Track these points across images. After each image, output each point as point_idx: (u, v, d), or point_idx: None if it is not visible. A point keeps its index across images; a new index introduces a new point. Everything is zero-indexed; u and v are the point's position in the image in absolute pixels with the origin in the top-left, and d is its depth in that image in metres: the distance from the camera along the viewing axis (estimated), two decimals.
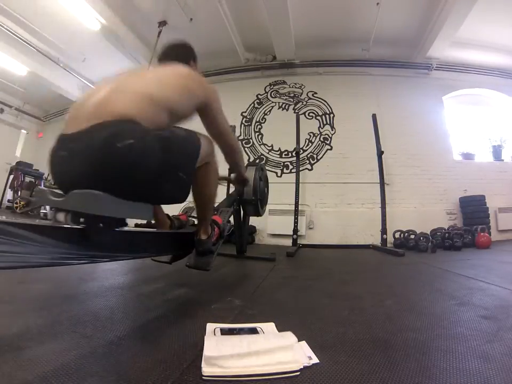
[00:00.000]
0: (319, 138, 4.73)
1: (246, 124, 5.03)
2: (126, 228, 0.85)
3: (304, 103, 4.96)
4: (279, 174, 4.67)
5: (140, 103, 0.80)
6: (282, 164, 4.72)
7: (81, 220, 0.68)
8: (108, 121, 0.74)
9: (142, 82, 0.89)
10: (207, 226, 1.23)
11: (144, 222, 1.23)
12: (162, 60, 1.17)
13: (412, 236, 3.42)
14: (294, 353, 0.63)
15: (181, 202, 0.95)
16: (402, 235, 3.61)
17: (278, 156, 4.77)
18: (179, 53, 1.20)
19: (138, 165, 0.74)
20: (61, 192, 0.76)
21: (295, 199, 3.61)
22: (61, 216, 0.68)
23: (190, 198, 1.15)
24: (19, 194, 5.27)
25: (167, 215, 1.33)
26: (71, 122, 0.80)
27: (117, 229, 0.79)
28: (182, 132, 0.92)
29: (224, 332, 0.77)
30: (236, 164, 1.34)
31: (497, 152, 4.68)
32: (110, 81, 0.89)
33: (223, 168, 1.26)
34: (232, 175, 1.58)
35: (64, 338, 0.75)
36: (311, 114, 4.87)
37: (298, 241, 3.51)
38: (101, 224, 0.72)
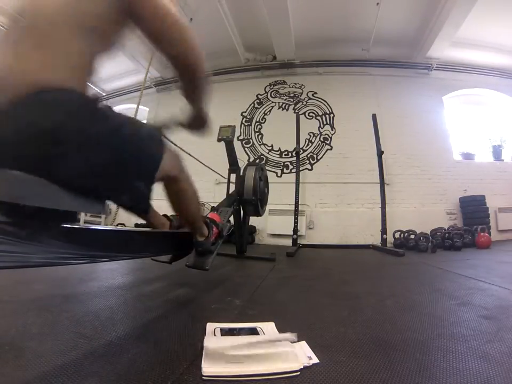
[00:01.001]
0: (319, 138, 4.74)
1: (246, 123, 5.03)
2: (127, 228, 0.84)
3: (304, 103, 4.96)
4: (279, 174, 4.67)
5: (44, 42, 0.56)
6: (282, 164, 4.72)
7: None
8: (23, 96, 0.53)
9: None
10: (201, 229, 1.21)
11: (144, 222, 1.23)
12: None
13: (412, 236, 3.42)
14: (294, 353, 0.63)
15: (139, 214, 0.81)
16: (402, 235, 3.61)
17: (278, 156, 4.77)
18: None
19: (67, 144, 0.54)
20: None
21: (295, 199, 3.62)
22: None
23: None
24: None
25: (165, 215, 1.33)
26: None
27: (64, 225, 0.61)
28: (145, 130, 0.75)
29: (224, 332, 0.77)
30: (196, 93, 0.82)
31: (497, 152, 4.69)
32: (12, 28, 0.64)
33: (225, 168, 1.20)
34: (233, 176, 1.46)
35: (64, 338, 0.75)
36: (311, 114, 4.87)
37: (298, 241, 3.51)
38: (35, 218, 0.53)
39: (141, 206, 0.75)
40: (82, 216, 4.00)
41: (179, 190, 0.94)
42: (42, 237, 0.56)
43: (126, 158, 0.65)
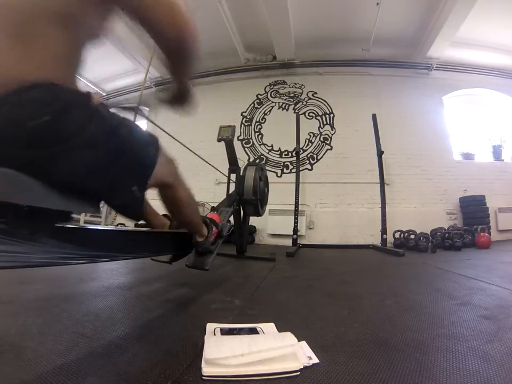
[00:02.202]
0: (319, 138, 4.74)
1: (246, 123, 5.03)
2: (127, 228, 0.84)
3: (304, 103, 4.96)
4: (279, 174, 4.67)
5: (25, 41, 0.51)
6: (282, 164, 4.72)
7: None
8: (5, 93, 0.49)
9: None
10: (200, 230, 1.20)
11: (144, 222, 1.23)
12: None
13: (412, 236, 3.42)
14: (294, 353, 0.63)
15: (130, 218, 0.77)
16: (402, 235, 3.61)
17: (278, 156, 4.77)
18: None
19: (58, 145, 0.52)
20: None
21: (295, 199, 3.62)
22: None
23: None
24: None
25: (165, 215, 1.32)
26: None
27: (58, 224, 0.60)
28: (140, 132, 0.74)
29: (224, 331, 0.77)
30: (184, 66, 0.74)
31: (497, 152, 4.69)
32: None
33: (225, 168, 1.18)
34: (233, 176, 1.43)
35: (64, 338, 0.75)
36: (311, 114, 4.87)
37: (298, 241, 3.51)
38: (24, 218, 0.52)
39: (132, 210, 0.73)
40: (82, 216, 4.00)
41: (174, 198, 0.92)
42: (37, 237, 0.55)
43: (119, 160, 0.63)
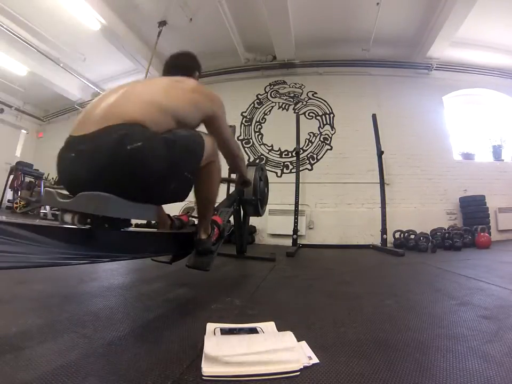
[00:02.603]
0: (319, 138, 4.73)
1: (246, 124, 5.03)
2: (127, 229, 0.86)
3: (304, 103, 4.96)
4: (279, 174, 4.67)
5: (149, 109, 0.83)
6: (282, 164, 4.72)
7: (88, 220, 0.70)
8: (118, 124, 0.76)
9: (151, 91, 0.92)
10: (207, 226, 1.23)
11: (144, 222, 1.24)
12: (169, 70, 1.19)
13: (412, 236, 3.42)
14: (294, 353, 0.63)
15: (182, 201, 0.97)
16: (402, 235, 3.61)
17: (278, 156, 4.77)
18: (185, 64, 1.23)
19: (146, 166, 0.77)
20: (67, 193, 0.77)
21: (295, 199, 3.62)
22: (68, 217, 0.69)
23: (191, 198, 1.15)
24: (19, 194, 5.26)
25: (168, 215, 1.33)
26: (80, 125, 0.81)
27: (122, 230, 0.81)
28: (186, 132, 0.93)
29: (224, 331, 0.77)
30: (238, 169, 1.43)
31: (497, 152, 4.69)
32: (119, 88, 0.92)
33: (225, 169, 1.29)
34: (233, 176, 1.64)
35: (64, 338, 0.75)
36: (311, 114, 4.87)
37: (298, 241, 3.51)
38: (107, 225, 0.73)
39: (186, 192, 0.97)
40: None
41: (211, 170, 1.10)
42: (108, 239, 0.76)
43: (181, 162, 0.89)
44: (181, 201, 0.96)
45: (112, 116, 0.78)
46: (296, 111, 4.86)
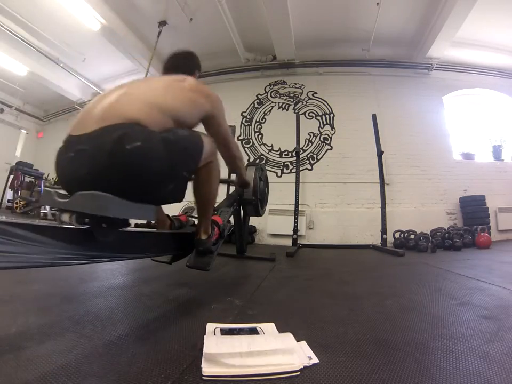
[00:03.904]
0: (319, 138, 4.73)
1: (246, 123, 5.03)
2: (127, 229, 0.86)
3: (304, 103, 4.95)
4: (279, 174, 4.67)
5: (148, 109, 0.83)
6: (282, 164, 4.72)
7: (86, 220, 0.69)
8: (117, 124, 0.75)
9: (150, 91, 0.91)
10: (207, 226, 1.23)
11: (144, 222, 1.23)
12: (169, 69, 1.18)
13: (412, 236, 3.42)
14: (294, 353, 0.63)
15: (179, 202, 0.96)
16: (402, 235, 3.61)
17: (278, 156, 4.77)
18: (185, 63, 1.23)
19: (145, 166, 0.77)
20: (65, 193, 0.77)
21: (295, 199, 3.61)
22: (65, 217, 0.69)
23: (191, 198, 1.15)
24: (19, 194, 5.26)
25: (167, 215, 1.33)
26: (79, 125, 0.81)
27: (120, 230, 0.80)
28: (185, 132, 0.93)
29: (224, 332, 0.77)
30: (237, 169, 1.42)
31: (497, 152, 4.68)
32: (119, 87, 0.92)
33: (224, 170, 1.29)
34: (233, 177, 1.64)
35: (64, 338, 0.75)
36: (311, 114, 4.87)
37: (298, 241, 3.51)
38: (105, 225, 0.72)
39: (183, 192, 0.95)
40: None
41: (210, 170, 1.10)
42: (106, 239, 0.74)
43: (180, 162, 0.89)
44: (179, 201, 0.96)
45: (111, 115, 0.78)
46: (296, 111, 4.86)
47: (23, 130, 6.98)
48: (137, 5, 4.08)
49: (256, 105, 5.10)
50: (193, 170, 0.99)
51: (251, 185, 2.02)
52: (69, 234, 0.67)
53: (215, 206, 1.80)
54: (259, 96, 5.13)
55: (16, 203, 4.96)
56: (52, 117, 7.11)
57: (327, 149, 4.66)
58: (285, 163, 4.71)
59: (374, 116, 3.76)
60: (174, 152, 0.84)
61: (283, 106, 5.02)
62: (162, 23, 4.32)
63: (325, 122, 4.80)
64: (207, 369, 0.58)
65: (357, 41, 4.52)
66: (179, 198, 0.95)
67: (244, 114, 5.07)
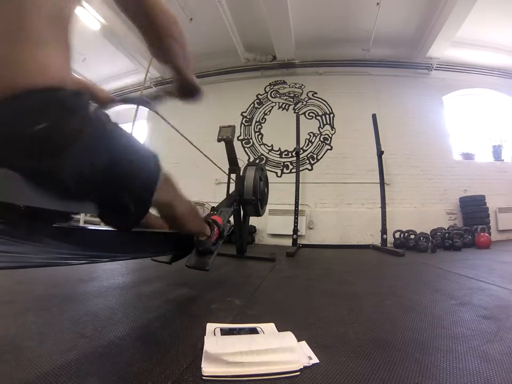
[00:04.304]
0: (319, 138, 4.73)
1: (246, 123, 5.03)
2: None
3: (304, 103, 4.96)
4: (279, 174, 4.67)
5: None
6: (282, 164, 4.72)
7: None
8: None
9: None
10: (202, 231, 1.20)
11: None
12: None
13: (412, 236, 3.42)
14: (294, 353, 0.63)
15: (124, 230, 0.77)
16: (402, 235, 3.61)
17: (278, 156, 4.77)
18: None
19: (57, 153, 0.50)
20: None
21: (295, 199, 3.62)
22: None
23: (192, 197, 1.14)
24: None
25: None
26: None
27: (55, 225, 0.60)
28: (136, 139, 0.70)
29: (224, 332, 0.77)
30: (177, 60, 0.78)
31: (497, 152, 4.69)
32: None
33: (225, 169, 1.19)
34: (232, 176, 1.48)
35: (64, 338, 0.75)
36: (311, 114, 4.87)
37: (298, 241, 3.51)
38: (22, 218, 0.52)
39: (126, 224, 0.73)
40: (83, 216, 4.00)
41: (174, 216, 0.89)
42: (35, 237, 0.55)
43: (116, 169, 0.60)
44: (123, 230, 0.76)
45: None
46: (296, 111, 4.87)
47: None
48: None
49: (256, 105, 5.10)
50: (142, 201, 0.71)
51: (250, 182, 1.93)
52: (68, 234, 0.67)
53: (215, 206, 1.79)
54: (259, 96, 5.13)
55: None
56: None
57: (327, 149, 4.67)
58: (285, 163, 4.71)
59: (374, 116, 3.76)
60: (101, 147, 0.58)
61: (283, 106, 5.03)
62: None
63: (325, 122, 4.80)
64: (207, 369, 0.58)
65: (357, 41, 4.53)
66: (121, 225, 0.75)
67: (244, 114, 5.07)
